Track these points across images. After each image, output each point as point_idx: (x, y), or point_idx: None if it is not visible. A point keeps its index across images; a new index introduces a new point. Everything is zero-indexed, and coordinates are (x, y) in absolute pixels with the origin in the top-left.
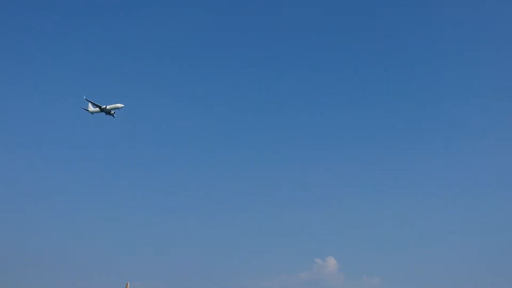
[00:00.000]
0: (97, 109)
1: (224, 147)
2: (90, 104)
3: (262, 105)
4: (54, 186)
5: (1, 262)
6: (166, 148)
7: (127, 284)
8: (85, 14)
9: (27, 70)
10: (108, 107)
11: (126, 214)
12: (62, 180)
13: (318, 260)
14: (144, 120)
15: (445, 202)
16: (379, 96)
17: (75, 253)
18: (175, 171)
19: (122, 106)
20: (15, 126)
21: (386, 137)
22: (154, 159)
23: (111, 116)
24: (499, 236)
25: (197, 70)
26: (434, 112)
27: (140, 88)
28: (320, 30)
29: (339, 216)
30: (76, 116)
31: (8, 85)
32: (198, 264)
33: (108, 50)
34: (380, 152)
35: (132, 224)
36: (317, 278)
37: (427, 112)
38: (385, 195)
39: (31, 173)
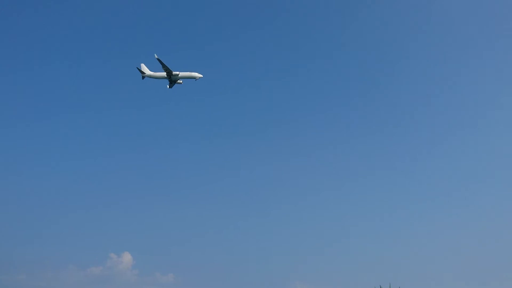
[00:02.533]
0: (161, 73)
1: None
2: (145, 66)
3: None
4: None
5: None
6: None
7: None
8: None
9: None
10: (181, 74)
11: None
12: None
13: (112, 255)
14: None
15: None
16: None
17: None
18: None
19: (200, 77)
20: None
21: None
22: None
23: (167, 84)
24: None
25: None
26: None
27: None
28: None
29: (137, 211)
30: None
31: None
32: None
33: None
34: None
35: None
36: (109, 273)
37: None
38: (180, 194)
39: None
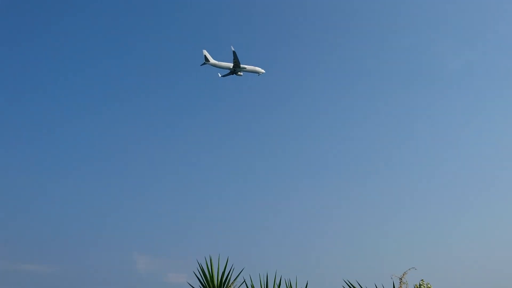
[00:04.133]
0: (227, 64)
1: None
2: (207, 52)
3: None
4: None
5: None
6: None
7: None
8: None
9: None
10: (248, 67)
11: None
12: None
13: None
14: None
15: None
16: None
17: None
18: None
19: (263, 72)
20: None
21: None
22: None
23: (221, 74)
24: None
25: None
26: None
27: None
28: None
29: None
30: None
31: None
32: None
33: None
34: None
35: None
36: None
37: None
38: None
39: None
